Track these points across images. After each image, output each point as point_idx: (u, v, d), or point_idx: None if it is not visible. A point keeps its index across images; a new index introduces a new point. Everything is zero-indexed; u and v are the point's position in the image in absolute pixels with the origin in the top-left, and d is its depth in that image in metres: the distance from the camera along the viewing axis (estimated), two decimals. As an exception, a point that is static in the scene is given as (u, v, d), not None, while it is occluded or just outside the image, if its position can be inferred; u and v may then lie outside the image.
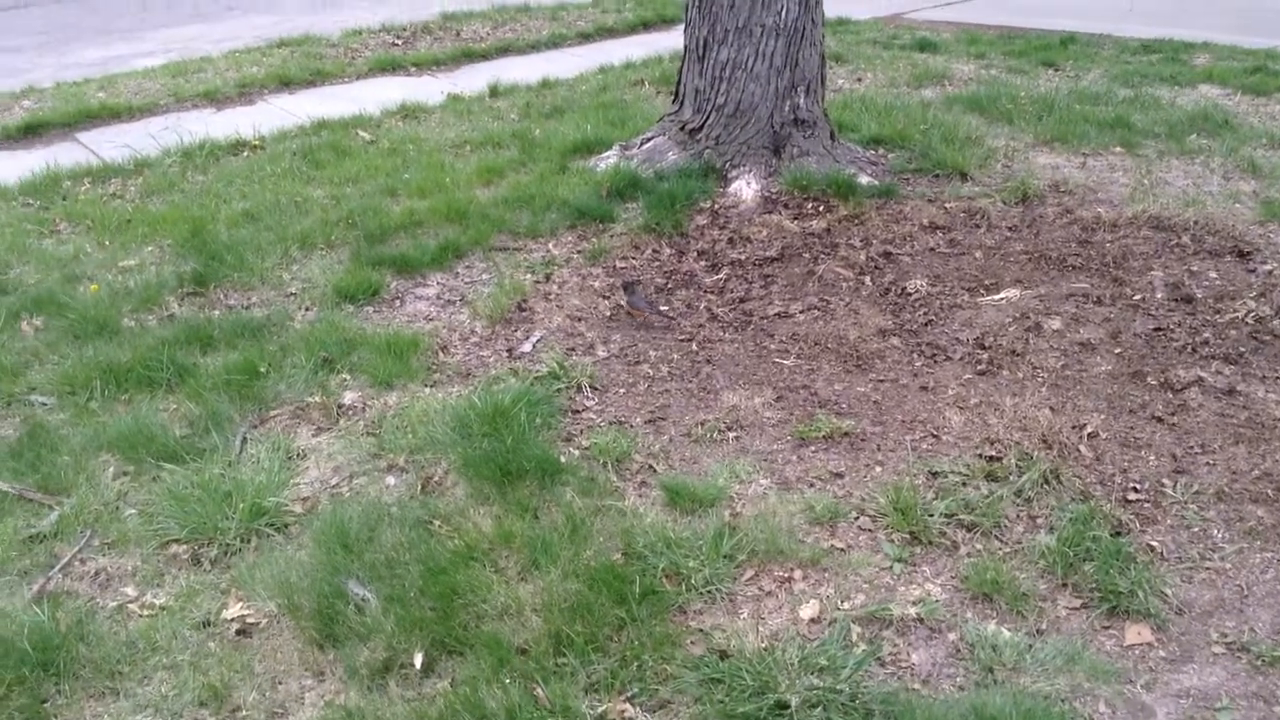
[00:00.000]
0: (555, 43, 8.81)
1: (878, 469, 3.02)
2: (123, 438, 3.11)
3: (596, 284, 4.32)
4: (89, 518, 2.82)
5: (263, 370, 3.53)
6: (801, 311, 4.01)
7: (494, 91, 7.30)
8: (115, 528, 2.78)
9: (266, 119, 6.77)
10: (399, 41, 8.74)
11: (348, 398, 3.45)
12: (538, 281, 4.34)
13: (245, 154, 6.10)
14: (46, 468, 3.01)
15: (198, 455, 3.06)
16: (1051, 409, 3.24)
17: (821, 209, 4.95)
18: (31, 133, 6.68)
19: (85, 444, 3.13)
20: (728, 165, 5.24)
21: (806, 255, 4.51)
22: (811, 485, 2.96)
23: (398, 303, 4.23)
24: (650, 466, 3.06)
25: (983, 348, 3.67)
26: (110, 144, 6.36)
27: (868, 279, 4.27)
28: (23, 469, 3.02)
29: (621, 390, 3.52)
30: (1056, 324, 3.82)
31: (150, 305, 4.15)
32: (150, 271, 4.46)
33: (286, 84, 7.61)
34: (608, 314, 4.07)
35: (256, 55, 8.29)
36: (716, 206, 5.00)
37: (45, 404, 3.43)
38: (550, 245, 4.71)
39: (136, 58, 8.57)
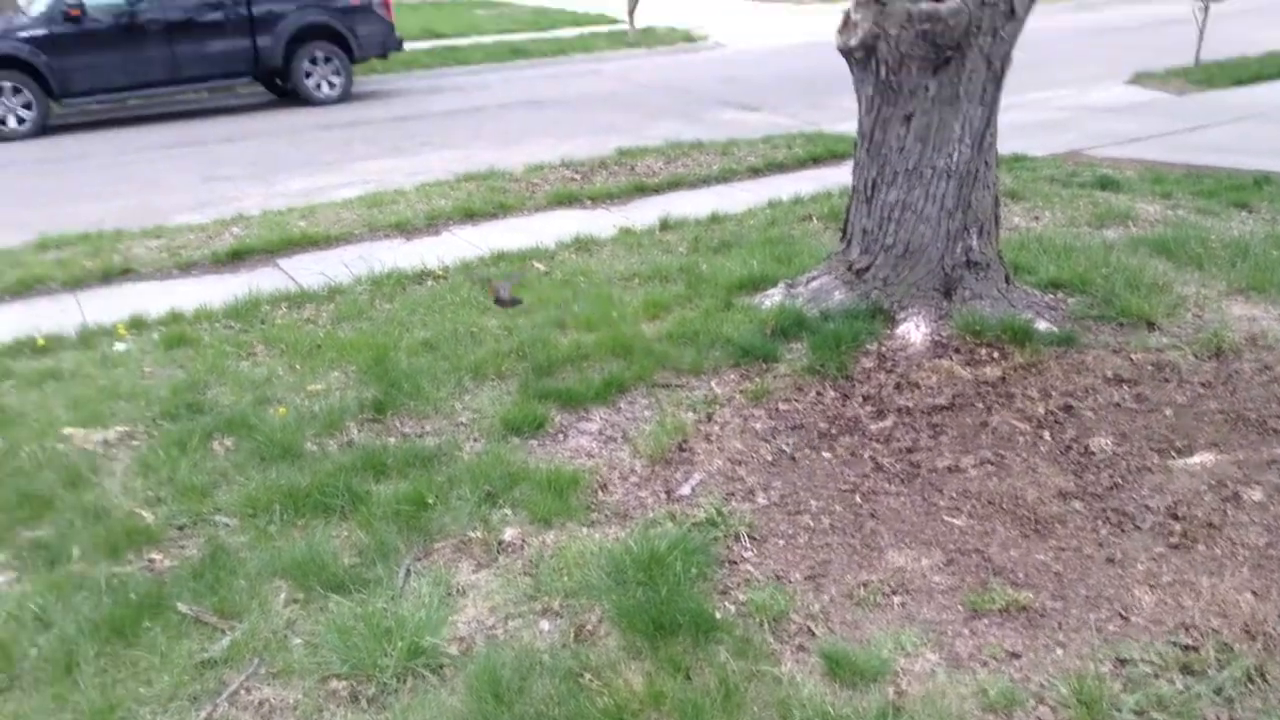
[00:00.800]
0: (725, 177, 9.01)
1: (1058, 650, 2.82)
2: (296, 564, 3.23)
3: (758, 426, 4.28)
4: (259, 645, 2.92)
5: (430, 501, 3.63)
6: (974, 466, 3.85)
7: (664, 225, 7.48)
8: (282, 657, 2.87)
9: (450, 249, 7.13)
10: (577, 176, 9.12)
11: (508, 534, 3.49)
12: (699, 421, 4.33)
13: (429, 283, 6.41)
14: (224, 590, 3.15)
15: (364, 586, 3.14)
16: (1255, 593, 2.96)
17: (995, 356, 4.79)
18: (237, 258, 7.23)
19: (261, 568, 3.26)
20: (896, 307, 5.17)
21: (979, 405, 4.35)
22: (985, 665, 2.78)
23: (561, 437, 4.30)
24: (809, 629, 2.95)
25: (1175, 518, 3.42)
26: (308, 270, 6.81)
27: (1046, 434, 4.08)
28: (202, 590, 3.17)
29: (781, 542, 3.43)
30: (1258, 495, 3.52)
31: (332, 430, 4.35)
32: (335, 396, 4.69)
33: (470, 216, 8.01)
34: (769, 458, 4.01)
35: (445, 188, 8.80)
36: (883, 349, 4.92)
37: (228, 525, 3.61)
38: (713, 383, 4.72)
39: (337, 188, 9.23)
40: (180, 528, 3.64)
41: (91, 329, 5.81)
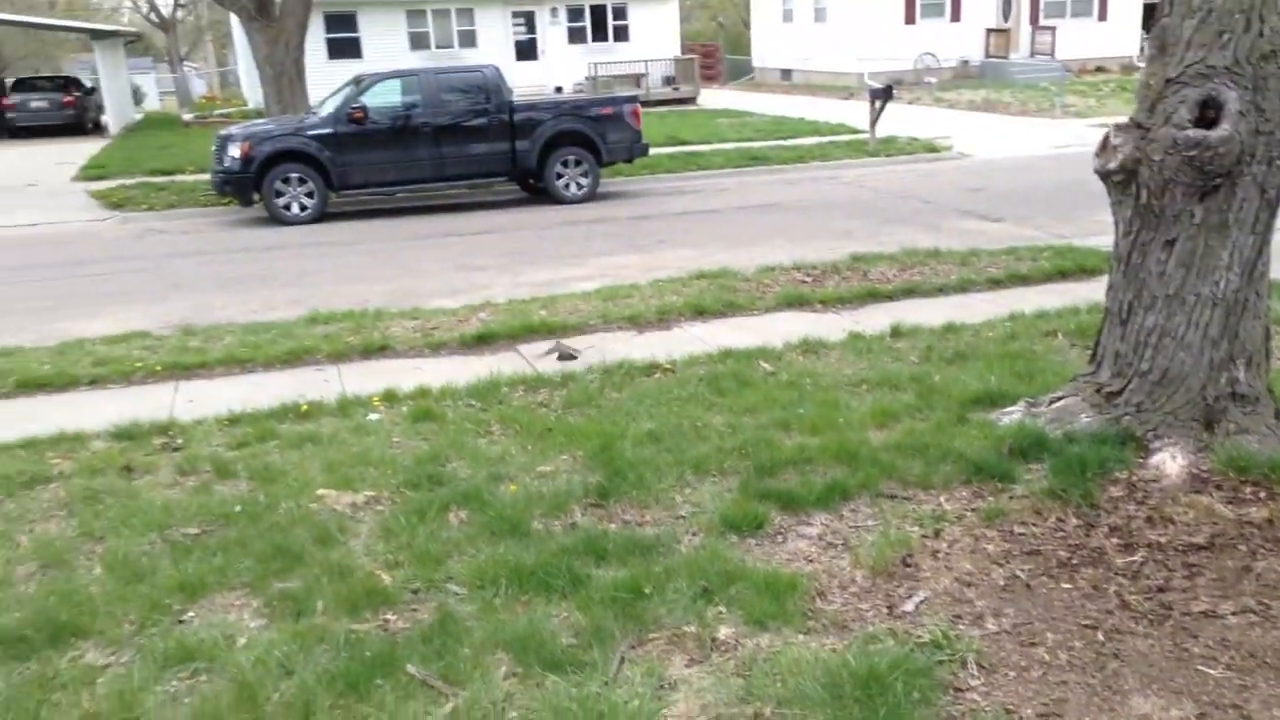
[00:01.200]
0: (963, 287, 8.78)
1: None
2: (518, 639, 3.32)
3: (990, 548, 4.07)
4: (478, 715, 3.00)
5: (647, 591, 3.65)
6: (1234, 614, 3.50)
7: (895, 332, 7.35)
8: (497, 730, 2.94)
9: (679, 344, 7.28)
10: (808, 279, 9.16)
11: (722, 632, 3.46)
12: (925, 536, 4.17)
13: (657, 376, 6.56)
14: (450, 657, 3.27)
15: (579, 668, 3.18)
16: None
17: (1262, 495, 4.37)
18: (482, 342, 7.67)
19: (485, 639, 3.38)
20: (1149, 435, 4.82)
21: (1242, 547, 3.97)
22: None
23: (780, 539, 4.24)
24: (1041, 771, 2.74)
25: None
26: (544, 358, 7.13)
27: (1322, 585, 3.66)
28: (430, 655, 3.31)
29: (1012, 673, 3.22)
30: None
31: (558, 511, 4.48)
32: (562, 479, 4.85)
33: (700, 313, 8.18)
34: (1001, 583, 3.80)
35: (677, 285, 9.04)
36: (1134, 479, 4.58)
37: (458, 594, 3.77)
38: (942, 499, 4.54)
39: (576, 281, 9.66)
40: (414, 591, 3.83)
41: (349, 399, 6.28)
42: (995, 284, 8.87)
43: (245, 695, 3.14)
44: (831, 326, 7.69)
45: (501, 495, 4.65)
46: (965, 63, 32.18)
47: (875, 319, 7.86)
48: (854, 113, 22.53)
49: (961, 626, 3.48)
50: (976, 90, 28.07)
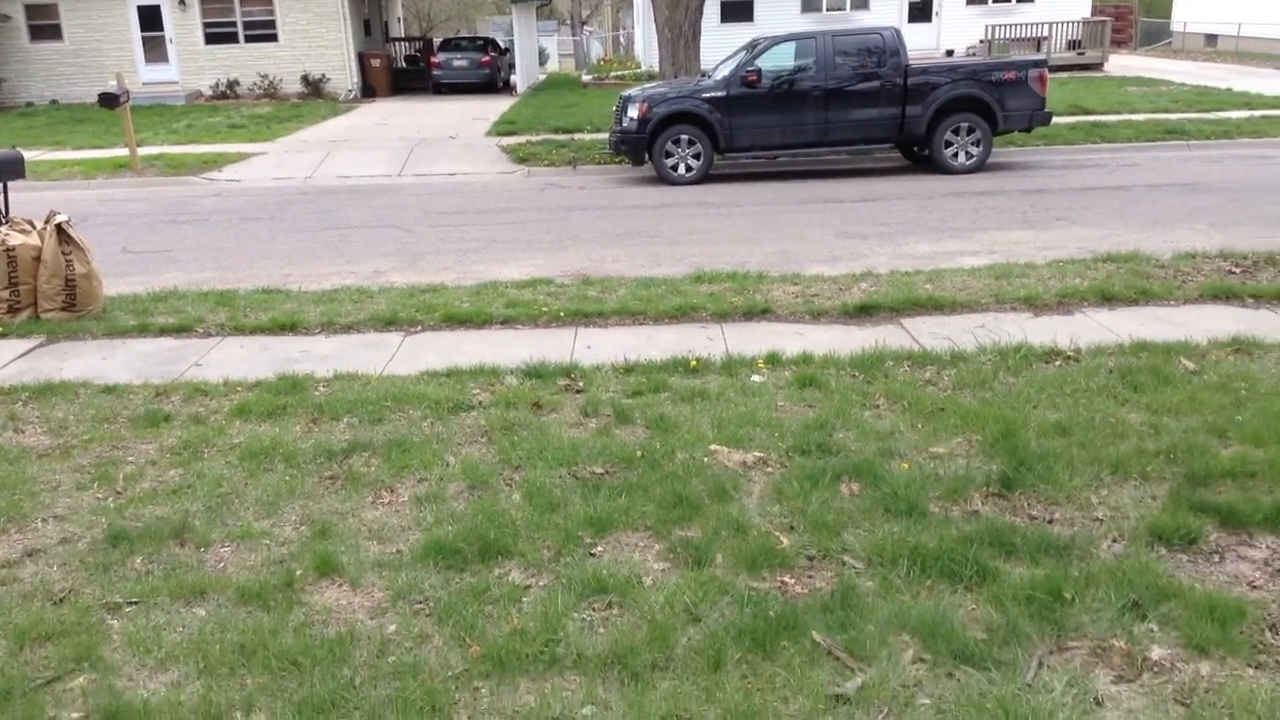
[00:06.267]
0: None
1: None
2: (924, 624, 3.20)
3: None
4: (887, 695, 2.93)
5: (1067, 596, 3.39)
6: None
7: (1353, 338, 6.33)
8: (909, 714, 2.84)
9: (1082, 331, 6.72)
10: (1237, 270, 8.12)
11: (1155, 652, 3.13)
12: None
13: (1058, 363, 6.09)
14: (853, 631, 3.22)
15: (994, 665, 3.01)
16: None
17: None
18: (864, 312, 7.50)
19: (889, 619, 3.28)
20: None
21: None
22: None
23: (1216, 558, 3.78)
24: None
25: None
26: (930, 333, 6.85)
27: None
28: (833, 625, 3.27)
29: None
30: None
31: (956, 497, 4.28)
32: (959, 464, 4.62)
33: (1107, 299, 7.50)
34: None
35: (1080, 267, 8.35)
36: None
37: (856, 568, 3.70)
38: None
39: (962, 255, 9.22)
40: (810, 558, 3.81)
41: (734, 358, 6.38)
42: None
43: (657, 634, 3.26)
44: (1269, 325, 6.76)
45: (894, 472, 4.51)
46: None
47: (1325, 320, 6.83)
48: (1293, 83, 19.71)
49: None
50: None
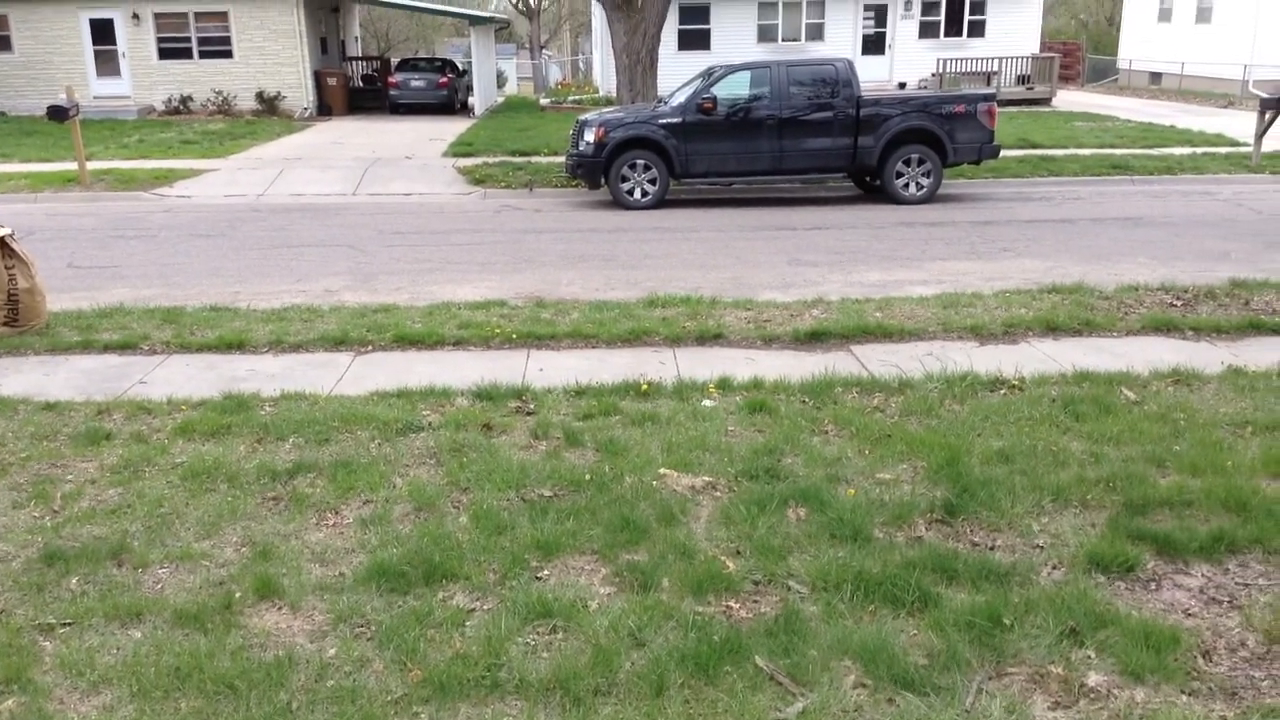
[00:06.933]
0: (1375, 328, 7.63)
1: None
2: (866, 650, 3.22)
3: None
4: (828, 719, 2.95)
5: (1006, 622, 3.43)
6: None
7: (1288, 371, 6.50)
8: (849, 740, 2.86)
9: (1027, 361, 6.84)
10: (1177, 303, 8.32)
11: (1092, 679, 3.18)
12: (1337, 607, 3.63)
13: (1003, 392, 6.19)
14: (796, 656, 3.23)
15: (934, 690, 3.04)
16: None
17: None
18: (814, 339, 7.57)
19: (832, 644, 3.30)
20: None
21: None
22: None
23: (1154, 585, 3.85)
24: None
25: None
26: (879, 360, 6.93)
27: None
28: (776, 650, 3.28)
29: None
30: None
31: (900, 523, 4.32)
32: (904, 490, 4.67)
33: (1052, 330, 7.65)
34: None
35: (1025, 298, 8.51)
36: None
37: (800, 593, 3.72)
38: (1358, 567, 3.94)
39: (911, 284, 9.35)
40: (756, 583, 3.83)
41: (686, 383, 6.41)
42: None
43: (601, 659, 3.25)
44: (1206, 357, 6.93)
45: (840, 498, 4.55)
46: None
47: (1259, 354, 7.00)
48: (1234, 123, 20.29)
49: (1388, 721, 2.99)
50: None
